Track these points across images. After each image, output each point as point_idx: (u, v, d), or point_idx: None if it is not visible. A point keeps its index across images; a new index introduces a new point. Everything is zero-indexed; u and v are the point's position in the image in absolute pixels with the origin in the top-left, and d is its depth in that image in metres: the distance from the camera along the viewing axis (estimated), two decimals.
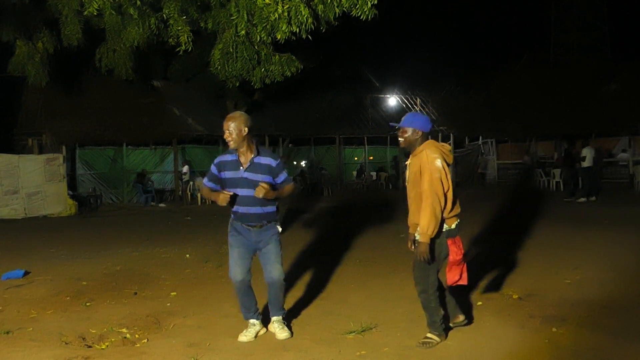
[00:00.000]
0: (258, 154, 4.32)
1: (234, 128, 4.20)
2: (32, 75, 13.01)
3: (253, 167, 4.28)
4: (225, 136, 4.24)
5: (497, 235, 8.84)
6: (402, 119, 4.23)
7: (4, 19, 11.85)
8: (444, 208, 4.00)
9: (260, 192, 4.15)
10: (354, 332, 4.44)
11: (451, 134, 23.94)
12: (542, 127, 23.19)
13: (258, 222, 4.33)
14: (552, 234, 9.11)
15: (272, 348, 4.19)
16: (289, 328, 4.50)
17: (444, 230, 4.08)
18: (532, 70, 27.83)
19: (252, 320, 4.45)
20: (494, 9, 39.24)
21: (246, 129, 4.21)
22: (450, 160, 4.15)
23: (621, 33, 37.39)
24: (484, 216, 10.97)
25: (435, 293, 4.13)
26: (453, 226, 4.13)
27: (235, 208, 4.35)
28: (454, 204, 4.12)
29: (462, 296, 5.36)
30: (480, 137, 25.70)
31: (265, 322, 4.58)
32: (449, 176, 4.05)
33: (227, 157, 4.35)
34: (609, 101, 22.17)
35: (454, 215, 4.14)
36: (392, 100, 26.15)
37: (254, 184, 4.22)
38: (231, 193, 4.22)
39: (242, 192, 4.27)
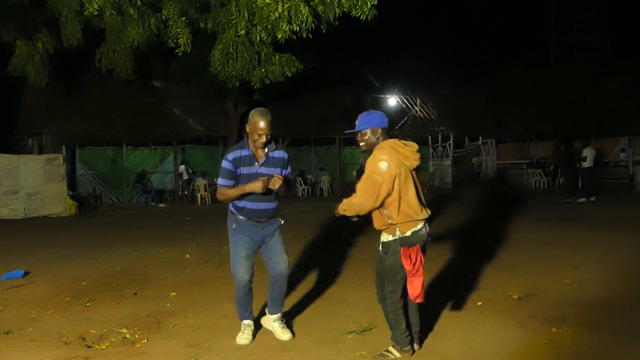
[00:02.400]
0: (274, 148, 4.31)
1: (268, 128, 4.15)
2: (32, 75, 13.04)
3: (268, 162, 4.25)
4: (258, 138, 4.14)
5: (497, 236, 8.83)
6: (357, 122, 3.90)
7: (4, 19, 11.87)
8: (387, 212, 3.73)
9: (276, 183, 4.09)
10: (354, 332, 4.44)
11: (451, 134, 23.93)
12: (542, 127, 23.19)
13: (266, 217, 4.29)
14: (552, 234, 9.10)
15: (272, 348, 4.19)
16: (289, 327, 4.47)
17: (397, 237, 3.74)
18: (532, 70, 27.86)
19: (247, 321, 4.39)
20: (494, 8, 39.29)
21: (271, 129, 4.22)
22: (411, 163, 3.76)
23: (621, 33, 37.42)
24: (484, 216, 10.98)
25: (395, 305, 3.80)
26: (408, 233, 3.73)
27: (243, 204, 4.23)
28: (402, 208, 3.73)
29: (462, 297, 5.36)
30: (480, 137, 25.70)
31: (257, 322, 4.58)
32: (399, 180, 3.68)
33: (242, 153, 4.22)
34: (609, 101, 22.18)
35: (409, 221, 3.74)
36: (392, 100, 26.16)
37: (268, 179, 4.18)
38: (266, 179, 4.10)
39: None
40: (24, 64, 12.93)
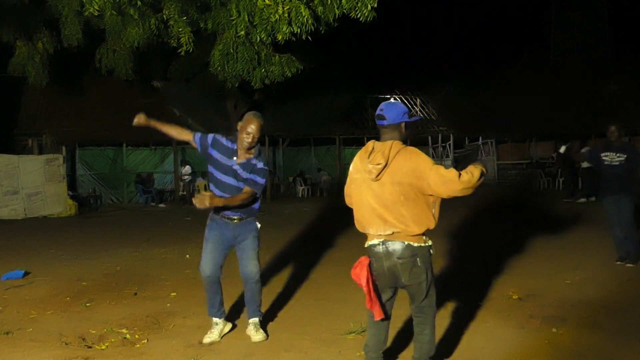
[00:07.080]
0: (259, 154, 4.33)
1: (257, 131, 4.22)
2: (32, 75, 13.05)
3: (246, 164, 4.29)
4: (245, 137, 4.19)
5: (497, 235, 8.83)
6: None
7: (4, 19, 11.86)
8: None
9: (197, 200, 4.09)
10: (354, 332, 4.44)
11: (451, 134, 23.93)
12: (542, 127, 23.19)
13: (236, 216, 4.33)
14: (552, 234, 9.10)
15: (272, 348, 4.20)
16: (265, 330, 4.45)
17: (365, 245, 3.43)
18: (532, 70, 27.85)
19: (214, 319, 4.41)
20: (494, 8, 39.24)
21: (260, 133, 4.27)
22: (362, 174, 3.35)
23: (621, 33, 37.38)
24: (484, 216, 10.98)
25: None
26: (366, 244, 3.40)
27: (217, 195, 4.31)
28: (356, 215, 3.46)
29: (462, 297, 5.37)
30: (480, 137, 25.69)
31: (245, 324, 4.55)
32: (355, 185, 3.42)
33: (226, 142, 4.33)
34: (609, 101, 22.18)
35: (364, 232, 3.43)
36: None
37: (240, 178, 4.26)
38: (216, 199, 4.14)
39: (227, 179, 4.27)
40: (24, 64, 12.94)
